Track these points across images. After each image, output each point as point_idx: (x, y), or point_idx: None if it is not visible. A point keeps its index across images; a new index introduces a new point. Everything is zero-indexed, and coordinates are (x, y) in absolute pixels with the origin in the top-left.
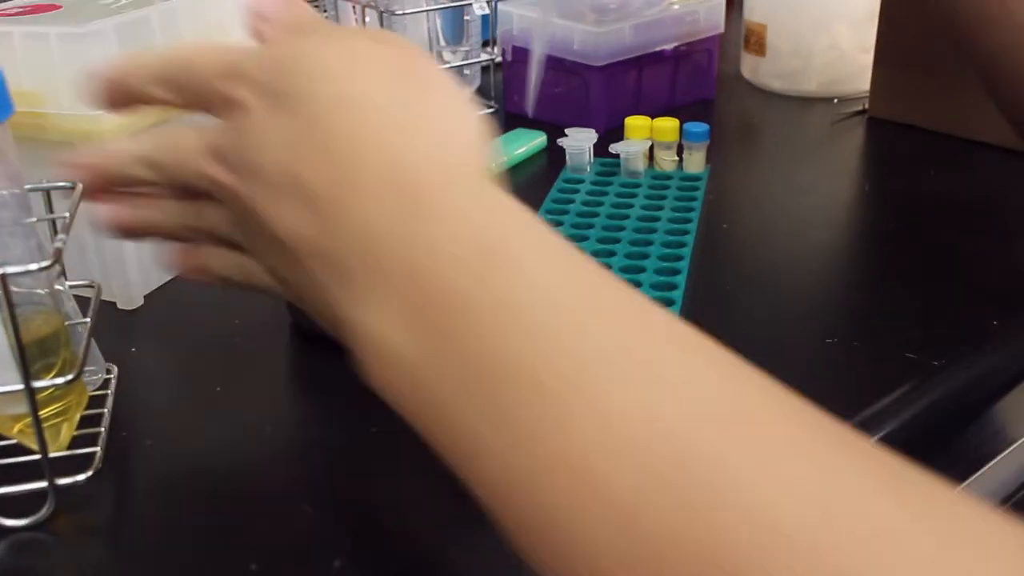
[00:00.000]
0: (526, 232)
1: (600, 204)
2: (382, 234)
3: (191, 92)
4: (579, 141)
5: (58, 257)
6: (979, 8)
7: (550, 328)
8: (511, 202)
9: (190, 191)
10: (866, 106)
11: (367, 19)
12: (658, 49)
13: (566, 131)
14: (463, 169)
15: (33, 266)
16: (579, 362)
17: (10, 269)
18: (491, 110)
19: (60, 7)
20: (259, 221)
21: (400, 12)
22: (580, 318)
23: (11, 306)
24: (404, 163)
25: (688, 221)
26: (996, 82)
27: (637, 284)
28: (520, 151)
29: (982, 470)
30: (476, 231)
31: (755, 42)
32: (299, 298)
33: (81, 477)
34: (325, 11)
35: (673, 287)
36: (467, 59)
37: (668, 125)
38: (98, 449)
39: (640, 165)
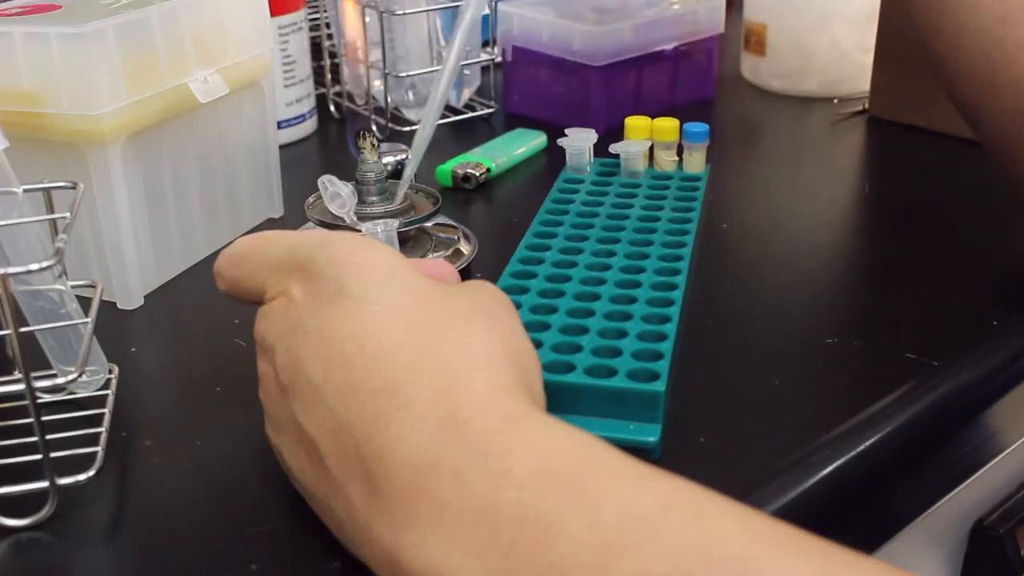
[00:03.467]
0: (593, 452)
1: (600, 204)
2: (442, 468)
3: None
4: (579, 141)
5: (59, 257)
6: (986, 74)
7: (638, 538)
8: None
9: None
10: (866, 106)
11: (367, 19)
12: (658, 49)
13: (566, 131)
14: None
15: (34, 266)
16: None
17: (11, 269)
18: (491, 110)
19: (60, 7)
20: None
21: (400, 12)
22: (664, 527)
23: (13, 305)
24: (456, 394)
25: (688, 221)
26: (1004, 153)
27: (637, 284)
28: (520, 151)
29: (980, 471)
30: (545, 455)
31: (755, 42)
32: (311, 497)
33: (82, 477)
34: (325, 11)
35: (673, 287)
36: (467, 59)
37: (668, 125)
38: (99, 449)
39: (640, 165)
